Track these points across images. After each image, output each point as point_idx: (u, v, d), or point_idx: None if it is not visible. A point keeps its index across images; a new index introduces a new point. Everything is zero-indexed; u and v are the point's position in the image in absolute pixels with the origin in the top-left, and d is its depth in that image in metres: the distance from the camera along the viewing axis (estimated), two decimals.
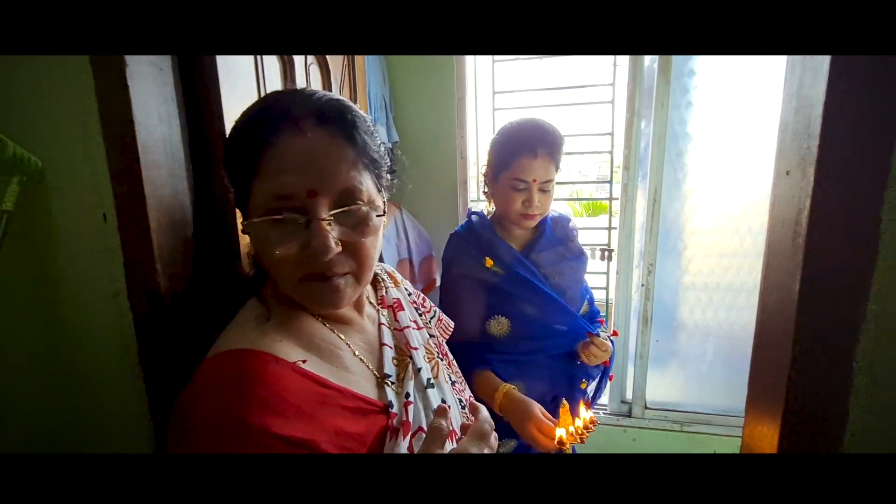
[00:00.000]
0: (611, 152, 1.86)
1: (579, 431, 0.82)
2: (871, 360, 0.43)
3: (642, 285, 1.67)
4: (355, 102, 1.23)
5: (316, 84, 1.01)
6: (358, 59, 1.28)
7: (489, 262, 1.03)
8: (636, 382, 1.76)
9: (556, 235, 1.09)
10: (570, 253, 1.09)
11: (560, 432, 0.82)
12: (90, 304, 0.58)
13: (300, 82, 0.90)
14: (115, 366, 0.59)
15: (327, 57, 1.04)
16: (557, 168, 0.99)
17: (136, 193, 0.54)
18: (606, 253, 1.80)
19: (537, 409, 0.88)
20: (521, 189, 0.97)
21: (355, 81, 1.24)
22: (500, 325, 1.03)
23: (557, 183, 1.04)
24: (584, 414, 0.84)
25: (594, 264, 1.71)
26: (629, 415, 1.78)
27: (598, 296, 1.85)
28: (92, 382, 0.60)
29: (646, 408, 1.77)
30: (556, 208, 1.13)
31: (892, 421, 0.44)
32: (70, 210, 0.56)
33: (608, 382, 1.18)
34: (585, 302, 1.15)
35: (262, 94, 0.76)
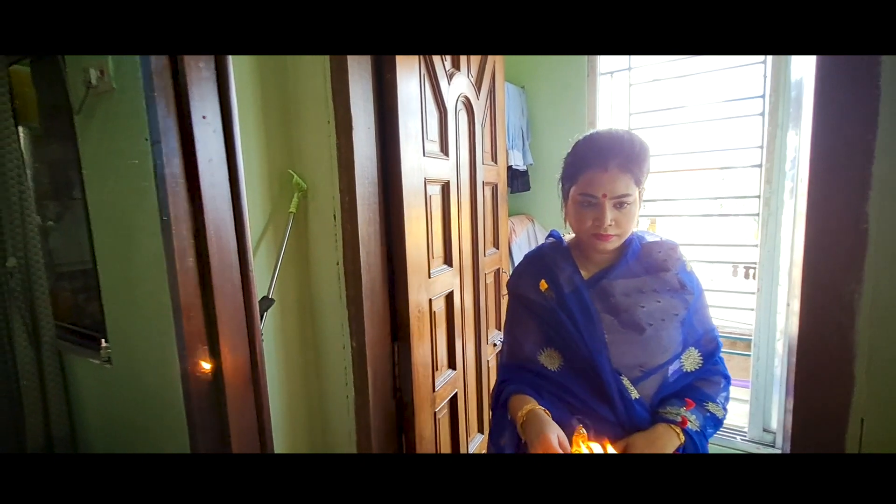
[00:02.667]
0: (760, 166, 1.79)
1: None
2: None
3: (787, 304, 1.57)
4: (494, 135, 1.55)
5: (462, 121, 1.33)
6: (498, 97, 1.58)
7: (543, 286, 0.94)
8: (780, 408, 1.63)
9: (645, 262, 0.93)
10: (661, 285, 0.91)
11: None
12: (324, 268, 0.98)
13: (450, 120, 1.22)
14: (337, 321, 0.97)
15: (470, 99, 1.36)
16: (638, 182, 0.85)
17: (352, 204, 0.92)
18: (749, 271, 1.72)
19: (554, 433, 0.77)
20: (590, 205, 0.85)
21: (495, 118, 1.54)
22: (551, 359, 0.93)
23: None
24: (604, 450, 0.71)
25: (739, 283, 1.67)
26: (773, 444, 1.65)
27: (743, 318, 1.77)
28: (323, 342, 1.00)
29: None
30: (671, 234, 0.95)
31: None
32: (317, 212, 0.97)
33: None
34: (693, 352, 0.92)
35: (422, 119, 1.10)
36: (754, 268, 1.76)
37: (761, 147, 1.74)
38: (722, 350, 0.94)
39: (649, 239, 0.94)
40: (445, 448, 1.26)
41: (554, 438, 0.75)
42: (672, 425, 0.83)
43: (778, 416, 1.66)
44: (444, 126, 1.20)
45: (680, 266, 0.92)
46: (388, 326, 1.03)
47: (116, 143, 1.43)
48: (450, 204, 1.23)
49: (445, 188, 1.21)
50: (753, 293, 1.75)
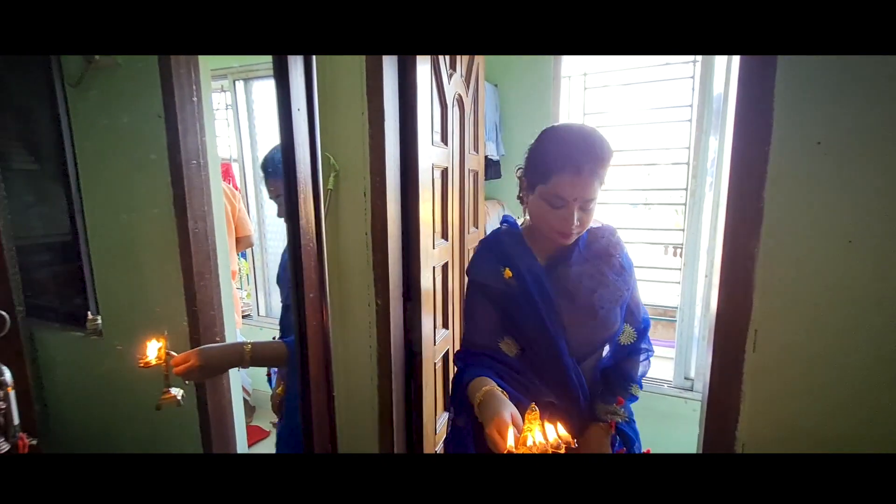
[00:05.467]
0: (687, 163, 2.16)
1: (540, 447, 0.65)
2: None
3: (706, 276, 1.95)
4: (476, 127, 1.76)
5: (456, 115, 1.53)
6: (480, 95, 1.79)
7: (508, 274, 0.95)
8: (698, 360, 2.03)
9: (592, 247, 0.98)
10: (608, 269, 0.97)
11: (510, 441, 0.68)
12: (354, 237, 1.14)
13: (449, 114, 1.42)
14: (364, 282, 1.14)
15: (462, 96, 1.56)
16: (602, 183, 0.88)
17: (381, 182, 1.09)
18: (676, 250, 2.10)
19: (508, 411, 0.76)
20: (558, 206, 0.87)
21: (478, 113, 1.76)
22: (509, 347, 0.97)
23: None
24: (555, 433, 0.66)
25: (667, 259, 2.03)
26: (691, 389, 2.06)
27: (672, 290, 2.15)
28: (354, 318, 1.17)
29: None
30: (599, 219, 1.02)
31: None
32: (348, 190, 1.13)
33: (637, 448, 1.04)
34: (628, 329, 1.03)
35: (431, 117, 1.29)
36: (681, 248, 2.14)
37: (688, 148, 2.11)
38: (651, 319, 1.08)
39: (592, 225, 0.98)
40: (440, 392, 1.48)
41: (507, 417, 0.74)
42: (604, 424, 0.97)
43: (696, 366, 2.06)
44: (445, 119, 1.39)
45: (620, 249, 0.99)
46: (402, 288, 1.23)
47: (119, 118, 1.48)
48: (447, 187, 1.43)
49: (445, 173, 1.41)
50: (679, 269, 2.14)
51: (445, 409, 1.51)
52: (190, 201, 1.37)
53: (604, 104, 2.24)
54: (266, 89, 2.73)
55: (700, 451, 0.94)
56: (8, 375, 0.37)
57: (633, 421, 1.02)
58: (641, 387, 1.04)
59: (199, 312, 1.40)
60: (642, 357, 1.05)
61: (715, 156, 1.90)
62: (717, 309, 0.87)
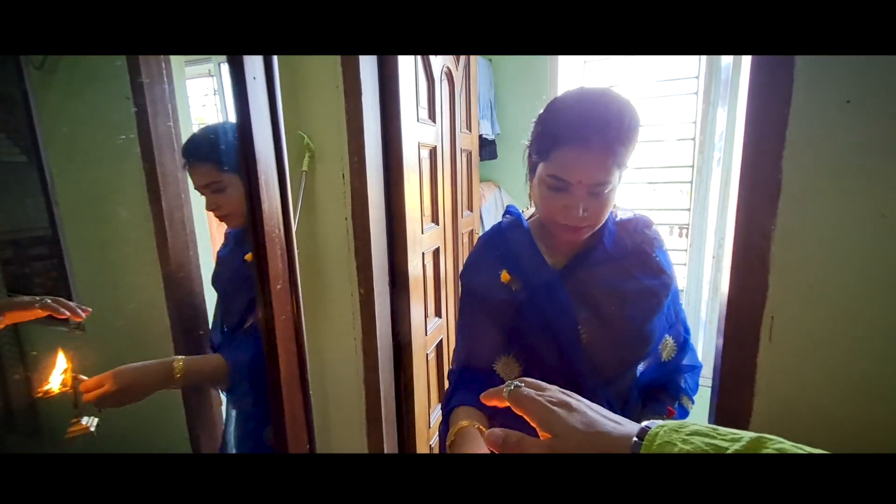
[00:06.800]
0: (694, 139, 2.05)
1: None
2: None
3: (714, 257, 1.86)
4: (469, 104, 1.66)
5: (444, 90, 1.43)
6: (472, 69, 1.68)
7: (505, 277, 0.77)
8: (705, 345, 1.95)
9: (622, 245, 0.78)
10: (641, 270, 0.77)
11: None
12: (333, 222, 1.06)
13: (436, 89, 1.32)
14: (344, 271, 1.07)
15: (451, 69, 1.46)
16: (621, 166, 0.67)
17: (360, 163, 1.01)
18: (682, 230, 2.00)
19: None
20: (560, 190, 0.68)
21: (470, 88, 1.65)
22: (508, 368, 0.78)
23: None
24: None
25: (672, 241, 1.93)
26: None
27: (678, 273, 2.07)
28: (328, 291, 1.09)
29: None
30: (629, 206, 0.83)
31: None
32: (325, 172, 1.04)
33: None
34: (668, 341, 0.82)
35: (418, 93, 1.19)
36: (686, 228, 2.05)
37: (694, 122, 1.99)
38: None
39: (621, 216, 0.81)
40: (433, 384, 1.41)
41: None
42: None
43: (702, 345, 1.98)
44: (432, 94, 1.29)
45: (657, 246, 0.79)
46: (388, 276, 1.15)
47: (86, 101, 1.39)
48: (436, 168, 1.34)
49: (433, 152, 1.32)
50: (685, 250, 2.05)
51: (440, 401, 1.45)
52: (164, 188, 1.29)
53: (605, 77, 2.13)
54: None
55: None
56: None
57: None
58: (693, 401, 0.85)
59: (180, 304, 1.33)
60: (689, 369, 0.85)
61: (724, 129, 1.78)
62: (729, 294, 0.79)
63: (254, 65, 0.69)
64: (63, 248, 1.60)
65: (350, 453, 1.15)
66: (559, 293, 0.74)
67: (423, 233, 1.25)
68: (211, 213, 0.98)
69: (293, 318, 0.85)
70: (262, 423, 0.97)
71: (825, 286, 0.71)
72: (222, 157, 0.94)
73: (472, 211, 1.75)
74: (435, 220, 1.36)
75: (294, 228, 0.81)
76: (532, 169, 0.75)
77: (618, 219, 0.80)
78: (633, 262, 0.77)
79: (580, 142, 0.64)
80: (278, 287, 0.79)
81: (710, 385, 0.90)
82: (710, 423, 0.85)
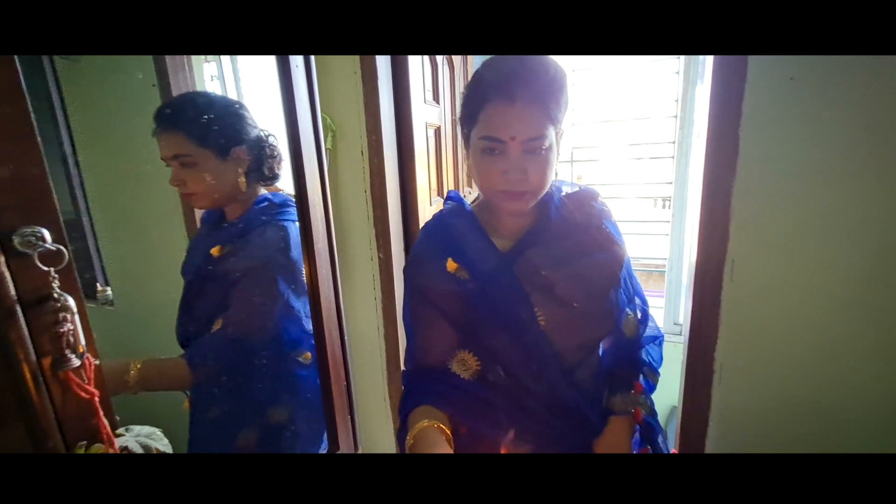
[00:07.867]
0: (676, 116, 2.19)
1: None
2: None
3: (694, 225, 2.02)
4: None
5: (446, 75, 1.55)
6: (469, 59, 1.79)
7: (451, 265, 0.72)
8: (687, 306, 2.12)
9: (571, 219, 0.75)
10: (592, 244, 0.75)
11: None
12: (353, 195, 1.19)
13: (439, 73, 1.44)
14: (365, 237, 1.20)
15: (453, 58, 1.57)
16: (554, 121, 0.66)
17: (378, 141, 1.13)
18: (665, 202, 2.16)
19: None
20: (495, 152, 0.65)
21: (467, 73, 1.77)
22: (464, 365, 0.74)
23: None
24: None
25: (657, 213, 2.08)
26: (679, 334, 2.16)
27: (662, 243, 2.23)
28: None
29: None
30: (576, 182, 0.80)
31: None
32: (346, 149, 1.17)
33: (662, 443, 0.79)
34: (630, 316, 0.81)
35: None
36: (669, 200, 2.20)
37: (677, 100, 2.13)
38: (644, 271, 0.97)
39: (567, 189, 0.80)
40: None
41: None
42: (625, 417, 0.75)
43: (684, 312, 2.16)
44: (435, 77, 1.41)
45: (605, 217, 0.78)
46: (403, 242, 1.28)
47: (112, 87, 1.49)
48: (441, 146, 1.47)
49: (438, 132, 1.44)
50: (668, 221, 2.20)
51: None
52: None
53: (589, 58, 2.25)
54: (251, 58, 2.68)
55: (682, 375, 1.03)
56: (72, 302, 0.41)
57: (656, 413, 0.81)
58: (658, 373, 0.84)
59: None
60: (652, 341, 0.85)
61: (704, 106, 1.93)
62: (698, 243, 0.94)
63: (296, 56, 0.81)
64: (89, 231, 1.71)
65: (350, 453, 1.30)
66: (510, 277, 0.71)
67: (431, 205, 1.38)
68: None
69: (332, 274, 0.99)
70: (230, 428, 0.94)
71: (776, 233, 0.86)
72: (197, 129, 0.86)
73: (471, 188, 1.88)
74: (440, 193, 1.49)
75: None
76: (466, 141, 0.72)
77: (563, 193, 0.79)
78: (583, 236, 0.75)
79: (506, 96, 0.63)
80: (318, 246, 0.93)
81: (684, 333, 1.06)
82: (683, 353, 1.01)
